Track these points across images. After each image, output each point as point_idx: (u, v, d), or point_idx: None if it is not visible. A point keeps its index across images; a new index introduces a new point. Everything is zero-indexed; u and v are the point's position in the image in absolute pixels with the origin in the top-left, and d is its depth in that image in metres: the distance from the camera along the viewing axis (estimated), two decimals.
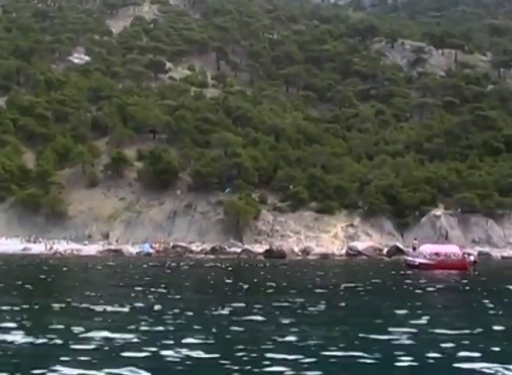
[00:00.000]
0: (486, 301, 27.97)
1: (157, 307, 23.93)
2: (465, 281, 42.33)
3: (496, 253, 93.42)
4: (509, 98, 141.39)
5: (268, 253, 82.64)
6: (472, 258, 59.02)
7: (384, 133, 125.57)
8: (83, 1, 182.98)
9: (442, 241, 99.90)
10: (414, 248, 62.43)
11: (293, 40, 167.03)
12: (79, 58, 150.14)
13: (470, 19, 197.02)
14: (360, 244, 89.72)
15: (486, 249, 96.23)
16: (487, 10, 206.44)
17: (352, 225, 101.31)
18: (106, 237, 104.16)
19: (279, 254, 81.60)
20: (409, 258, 61.14)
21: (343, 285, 36.24)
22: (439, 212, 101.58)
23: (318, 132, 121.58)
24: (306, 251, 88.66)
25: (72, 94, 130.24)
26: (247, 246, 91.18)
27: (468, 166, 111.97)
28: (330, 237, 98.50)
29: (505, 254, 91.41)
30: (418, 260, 56.79)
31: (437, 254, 57.06)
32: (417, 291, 33.98)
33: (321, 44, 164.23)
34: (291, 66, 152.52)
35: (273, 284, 36.53)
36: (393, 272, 53.12)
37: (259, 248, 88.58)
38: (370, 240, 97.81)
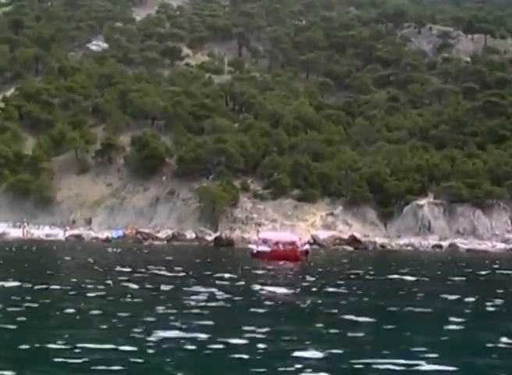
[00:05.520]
0: None
1: None
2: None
3: (475, 245, 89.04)
4: None
5: (218, 241, 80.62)
6: (306, 248, 56.40)
7: (390, 120, 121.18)
8: None
9: (424, 232, 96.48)
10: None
11: (320, 26, 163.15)
12: (96, 45, 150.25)
13: None
14: (322, 234, 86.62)
15: (467, 241, 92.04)
16: None
17: (332, 214, 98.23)
18: (89, 222, 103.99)
19: (228, 242, 79.52)
20: (251, 247, 59.60)
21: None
22: (422, 201, 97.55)
23: (318, 119, 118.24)
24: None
25: (82, 81, 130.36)
26: (200, 232, 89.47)
27: (465, 154, 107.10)
28: (307, 226, 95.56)
29: (472, 246, 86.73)
30: (256, 248, 55.20)
31: (276, 243, 55.26)
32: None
33: (348, 30, 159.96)
34: (312, 53, 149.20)
35: None
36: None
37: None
38: (349, 230, 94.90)
